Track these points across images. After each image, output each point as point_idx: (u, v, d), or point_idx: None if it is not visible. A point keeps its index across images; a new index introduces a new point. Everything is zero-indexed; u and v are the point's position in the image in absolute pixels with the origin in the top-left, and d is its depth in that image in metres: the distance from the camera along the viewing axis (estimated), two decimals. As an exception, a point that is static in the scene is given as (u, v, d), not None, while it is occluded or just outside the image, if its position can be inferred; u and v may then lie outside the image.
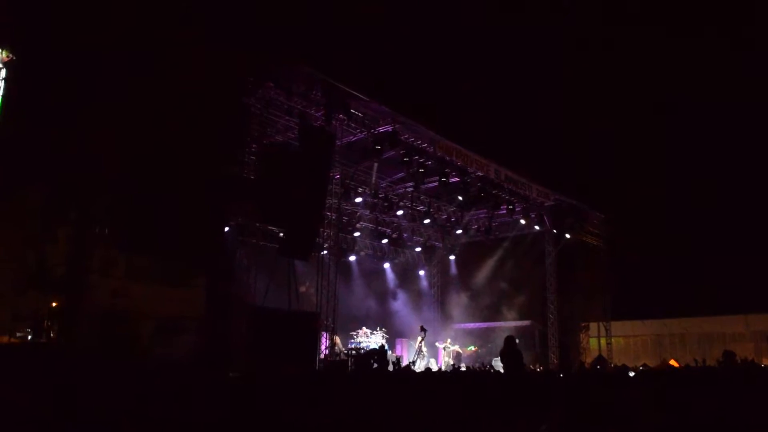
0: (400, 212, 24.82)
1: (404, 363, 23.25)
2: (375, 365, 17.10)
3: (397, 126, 19.22)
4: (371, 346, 21.66)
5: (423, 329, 23.34)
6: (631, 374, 16.87)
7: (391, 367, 17.92)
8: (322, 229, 19.42)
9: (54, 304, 16.55)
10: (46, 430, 6.77)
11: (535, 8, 37.12)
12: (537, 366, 24.67)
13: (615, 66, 36.93)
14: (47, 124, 14.48)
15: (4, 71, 23.49)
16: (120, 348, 11.60)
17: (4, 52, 23.42)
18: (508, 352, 12.04)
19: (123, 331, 12.37)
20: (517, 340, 13.14)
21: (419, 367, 22.21)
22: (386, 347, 21.47)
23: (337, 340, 22.56)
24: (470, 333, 28.65)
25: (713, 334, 32.40)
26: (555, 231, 26.86)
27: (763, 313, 29.87)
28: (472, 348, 27.49)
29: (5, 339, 15.10)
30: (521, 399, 10.42)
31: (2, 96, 22.74)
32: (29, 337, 16.13)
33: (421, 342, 22.99)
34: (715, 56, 34.74)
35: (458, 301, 29.48)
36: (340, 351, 20.97)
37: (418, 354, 22.99)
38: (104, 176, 13.53)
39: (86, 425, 7.13)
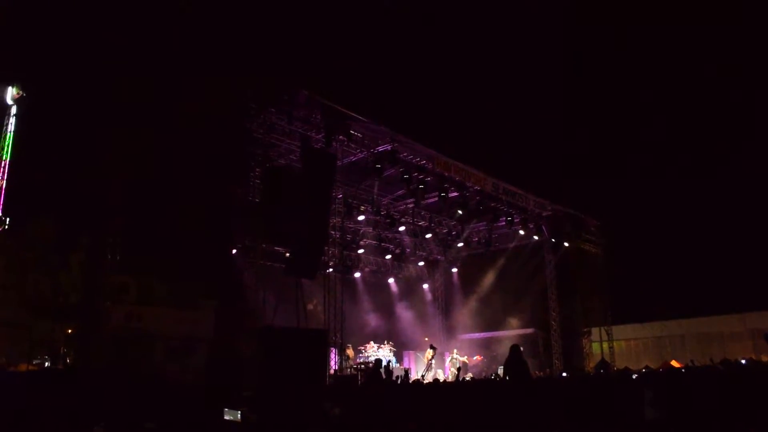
0: (402, 228, 24.79)
1: (412, 375, 23.14)
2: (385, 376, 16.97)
3: (395, 145, 19.25)
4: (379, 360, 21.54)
5: (433, 347, 23.22)
6: (634, 377, 16.73)
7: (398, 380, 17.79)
8: (326, 248, 19.38)
9: (69, 331, 16.51)
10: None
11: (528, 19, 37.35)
12: (543, 372, 24.50)
13: (607, 71, 37.08)
14: (58, 157, 14.56)
15: (15, 108, 23.67)
16: (134, 370, 11.53)
17: (14, 89, 23.60)
18: (514, 360, 11.93)
19: (136, 354, 12.31)
20: (521, 348, 13.05)
21: (428, 378, 22.07)
22: (388, 360, 21.31)
23: (350, 352, 22.50)
24: (475, 343, 28.50)
25: (712, 333, 32.18)
26: (553, 240, 26.81)
27: (760, 311, 29.67)
28: (477, 357, 27.32)
29: (24, 366, 15.05)
30: (528, 406, 10.33)
31: (13, 132, 22.92)
32: (46, 364, 16.08)
33: (431, 359, 22.85)
34: (712, 54, 34.85)
35: (462, 312, 29.35)
36: (351, 365, 20.88)
37: (428, 369, 22.85)
38: (114, 204, 13.55)
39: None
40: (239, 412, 9.09)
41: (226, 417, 9.04)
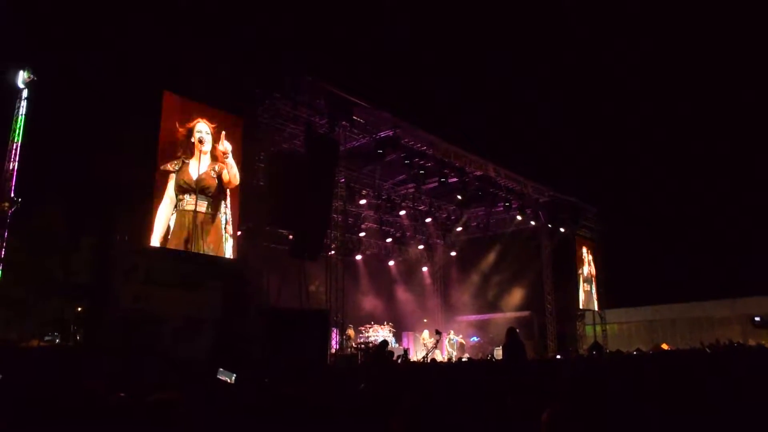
0: (402, 212, 24.84)
1: (411, 355, 23.28)
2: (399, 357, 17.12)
3: (397, 131, 19.24)
4: (380, 340, 21.66)
5: (438, 332, 23.30)
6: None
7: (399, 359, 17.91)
8: (329, 231, 19.42)
9: (79, 309, 16.63)
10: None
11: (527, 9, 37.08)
12: (538, 354, 24.64)
13: (605, 62, 36.90)
14: (68, 139, 14.54)
15: (26, 91, 23.64)
16: (142, 349, 11.61)
17: (26, 73, 23.53)
18: (510, 343, 12.00)
19: (144, 333, 12.37)
20: (517, 330, 13.11)
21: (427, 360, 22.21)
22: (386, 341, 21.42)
23: (351, 332, 22.60)
24: (472, 325, 28.64)
25: (702, 318, 32.40)
26: (550, 226, 26.87)
27: (748, 297, 29.81)
28: (475, 339, 27.48)
29: (35, 342, 15.18)
30: (522, 388, 10.38)
31: (25, 115, 22.89)
32: (57, 341, 16.21)
33: (436, 344, 22.91)
34: (709, 51, 34.66)
35: (460, 295, 29.47)
36: (352, 345, 21.00)
37: (431, 351, 22.93)
38: (123, 186, 13.55)
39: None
40: (234, 374, 9.09)
41: (220, 377, 9.03)
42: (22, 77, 22.35)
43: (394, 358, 16.12)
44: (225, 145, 14.82)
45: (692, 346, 24.14)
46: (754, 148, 32.54)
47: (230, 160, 14.94)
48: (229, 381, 8.82)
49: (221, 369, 8.89)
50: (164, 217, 13.49)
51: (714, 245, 32.00)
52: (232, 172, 14.93)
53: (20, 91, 22.26)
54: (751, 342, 25.43)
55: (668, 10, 34.68)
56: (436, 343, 22.88)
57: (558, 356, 23.30)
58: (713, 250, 31.81)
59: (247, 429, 5.45)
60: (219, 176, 14.74)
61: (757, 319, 27.82)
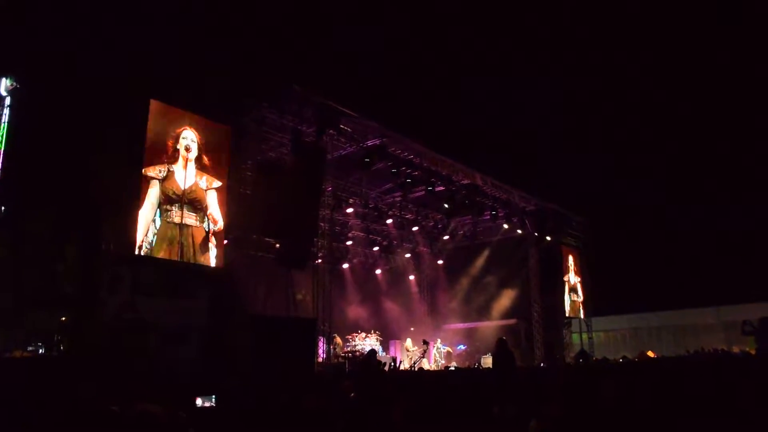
0: (389, 221, 24.93)
1: (398, 363, 23.28)
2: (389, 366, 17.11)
3: (384, 140, 19.35)
4: (367, 349, 21.64)
5: (425, 342, 23.33)
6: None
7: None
8: (316, 239, 19.45)
9: (63, 319, 16.46)
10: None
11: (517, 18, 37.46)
12: (525, 362, 24.74)
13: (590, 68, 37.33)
14: (52, 149, 14.45)
15: (8, 99, 23.46)
16: (128, 358, 11.55)
17: (8, 81, 23.35)
18: (501, 353, 12.13)
19: (130, 342, 12.31)
20: (503, 337, 13.22)
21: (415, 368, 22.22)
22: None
23: (338, 341, 22.57)
24: (459, 332, 28.73)
25: (687, 325, 32.70)
26: (536, 234, 27.07)
27: (732, 305, 30.16)
28: (462, 347, 27.56)
29: (18, 353, 14.98)
30: (509, 397, 10.48)
31: (7, 122, 22.69)
32: (41, 351, 16.02)
33: (423, 353, 22.95)
34: (693, 58, 35.17)
35: (447, 303, 29.57)
36: (339, 354, 20.98)
37: (419, 360, 22.94)
38: (109, 193, 13.51)
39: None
40: (213, 396, 9.10)
41: (199, 404, 9.03)
42: (4, 85, 22.20)
43: (384, 367, 16.14)
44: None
45: (677, 354, 24.38)
46: (738, 157, 33.06)
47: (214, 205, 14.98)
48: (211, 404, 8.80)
49: (198, 398, 8.83)
50: (145, 224, 13.47)
51: (698, 253, 32.40)
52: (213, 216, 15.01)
53: (2, 98, 22.10)
54: (735, 349, 25.72)
55: (655, 16, 35.21)
56: (423, 353, 22.92)
57: (542, 364, 23.44)
58: (697, 258, 32.21)
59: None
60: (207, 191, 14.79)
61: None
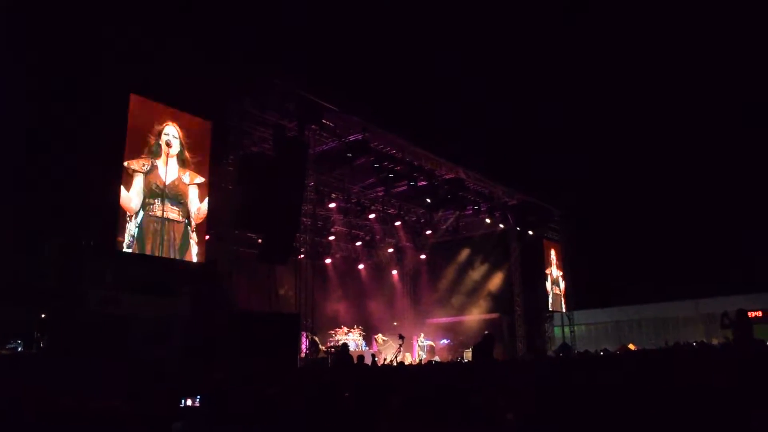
0: (372, 216, 25.06)
1: (379, 358, 23.48)
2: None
3: (367, 134, 19.44)
4: (350, 344, 21.80)
5: (401, 337, 23.49)
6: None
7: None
8: (298, 234, 19.52)
9: (42, 315, 16.35)
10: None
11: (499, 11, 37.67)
12: (508, 356, 25.05)
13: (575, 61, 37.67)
14: (31, 139, 14.33)
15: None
16: (109, 353, 11.56)
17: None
18: (482, 345, 12.32)
19: (111, 338, 12.32)
20: (490, 333, 13.44)
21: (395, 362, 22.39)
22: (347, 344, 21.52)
23: (317, 339, 22.67)
24: (442, 327, 28.97)
25: (667, 318, 33.29)
26: (518, 228, 27.37)
27: (711, 297, 30.74)
28: (445, 341, 27.80)
29: (-6, 351, 14.88)
30: (486, 388, 10.65)
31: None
32: (19, 349, 15.91)
33: (400, 347, 23.12)
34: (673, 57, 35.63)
35: (430, 298, 29.82)
36: (322, 348, 21.10)
37: (396, 356, 23.12)
38: (88, 186, 13.48)
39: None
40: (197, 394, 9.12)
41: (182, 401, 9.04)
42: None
43: (364, 361, 16.28)
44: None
45: (658, 346, 24.83)
46: (715, 151, 33.57)
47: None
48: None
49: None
50: (128, 216, 13.50)
51: (677, 247, 32.95)
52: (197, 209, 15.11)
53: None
54: (714, 341, 26.23)
55: (644, 15, 35.61)
56: (399, 348, 23.12)
57: (522, 357, 23.75)
58: (677, 251, 32.74)
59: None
60: (189, 186, 14.83)
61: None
